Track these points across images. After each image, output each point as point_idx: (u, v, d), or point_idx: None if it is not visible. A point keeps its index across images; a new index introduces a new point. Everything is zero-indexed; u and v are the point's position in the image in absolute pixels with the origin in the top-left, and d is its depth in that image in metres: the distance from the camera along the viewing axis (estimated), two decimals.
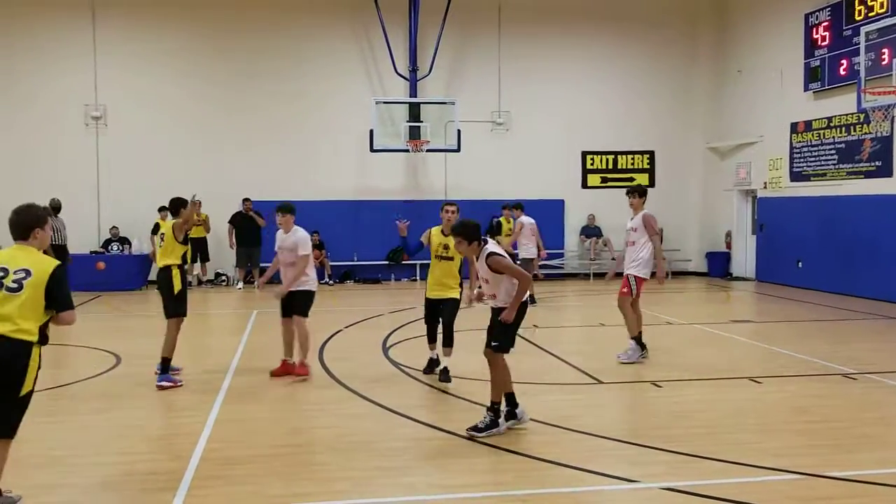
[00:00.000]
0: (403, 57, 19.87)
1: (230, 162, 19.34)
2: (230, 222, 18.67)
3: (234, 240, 18.63)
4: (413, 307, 14.72)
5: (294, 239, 8.90)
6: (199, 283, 18.78)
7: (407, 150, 18.88)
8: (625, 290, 9.48)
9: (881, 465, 5.63)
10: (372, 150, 18.72)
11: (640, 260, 9.55)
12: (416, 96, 19.60)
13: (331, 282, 19.40)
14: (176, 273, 8.44)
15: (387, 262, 20.05)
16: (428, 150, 18.90)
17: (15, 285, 4.64)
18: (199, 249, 18.43)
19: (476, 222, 6.55)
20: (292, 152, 19.67)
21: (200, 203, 17.51)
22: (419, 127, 18.76)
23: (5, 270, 4.66)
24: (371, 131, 18.57)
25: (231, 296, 17.60)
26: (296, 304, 8.78)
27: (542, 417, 6.92)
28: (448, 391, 8.01)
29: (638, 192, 10.05)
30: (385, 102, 19.10)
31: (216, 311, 15.12)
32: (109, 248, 18.42)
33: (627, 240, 9.78)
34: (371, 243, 19.88)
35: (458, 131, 18.70)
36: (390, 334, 11.51)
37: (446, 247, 8.43)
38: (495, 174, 20.29)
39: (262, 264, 18.80)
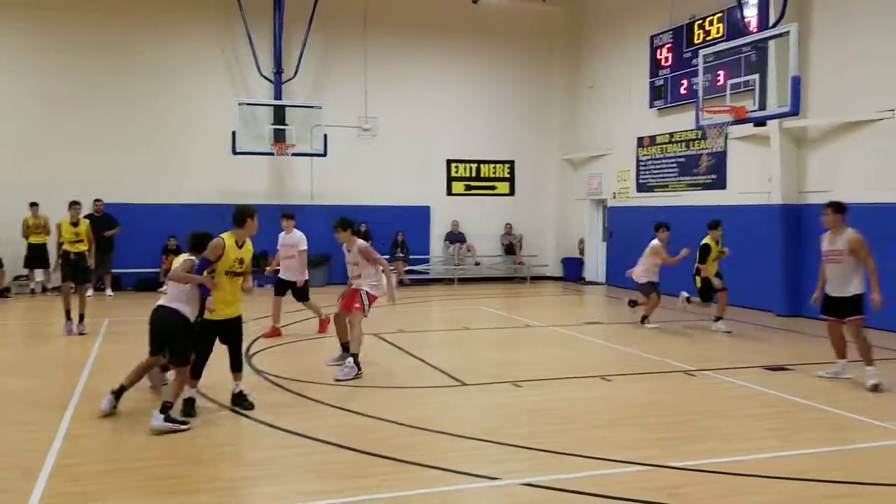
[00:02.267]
0: (268, 59, 19.56)
1: (82, 162, 18.33)
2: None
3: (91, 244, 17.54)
4: None
5: (295, 238, 11.90)
6: (44, 290, 17.64)
7: (271, 154, 18.58)
8: None
9: (720, 455, 6.15)
10: (234, 152, 18.29)
11: None
12: (280, 99, 19.33)
13: None
14: None
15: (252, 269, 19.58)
16: (293, 154, 18.68)
17: None
18: (39, 256, 17.03)
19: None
20: (152, 153, 18.91)
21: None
22: (284, 130, 18.51)
23: None
24: (234, 133, 18.14)
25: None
26: (300, 292, 11.85)
27: (406, 420, 7.07)
28: (310, 397, 7.99)
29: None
30: (248, 104, 18.71)
31: (63, 320, 14.24)
32: None
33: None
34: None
35: (325, 135, 18.61)
36: (253, 342, 11.31)
37: (241, 261, 7.47)
38: (362, 179, 20.36)
39: (113, 270, 17.94)
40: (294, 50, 19.58)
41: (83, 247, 12.53)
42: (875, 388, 8.30)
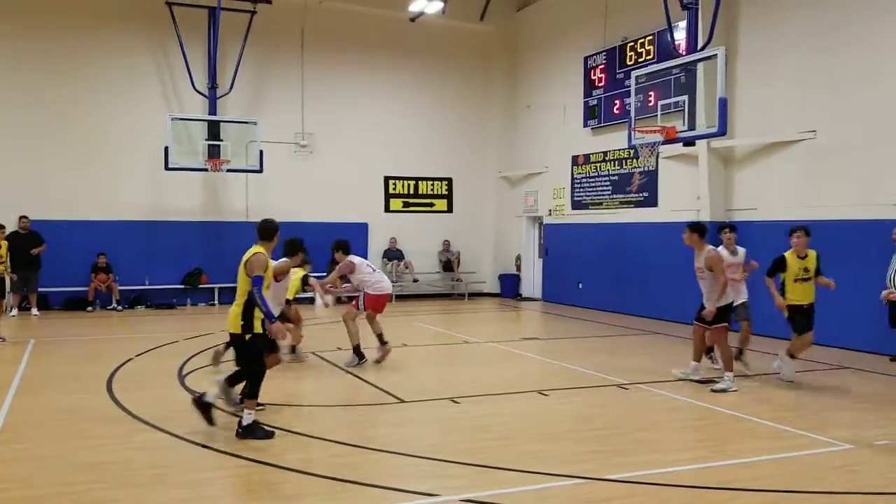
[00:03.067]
0: (202, 73, 19.26)
1: (6, 179, 17.68)
2: (5, 239, 16.94)
3: (8, 262, 16.91)
4: (211, 333, 14.25)
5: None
6: None
7: (205, 170, 18.26)
8: None
9: (654, 466, 6.28)
10: (167, 168, 17.92)
11: None
12: (215, 114, 19.04)
13: (119, 307, 18.24)
14: None
15: (182, 286, 19.21)
16: (228, 170, 18.40)
17: None
18: None
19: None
20: (81, 169, 18.36)
21: None
22: (219, 146, 18.23)
23: None
24: (166, 148, 17.78)
25: (4, 324, 15.99)
26: None
27: (345, 439, 7.02)
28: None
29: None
30: (182, 119, 18.37)
31: None
32: None
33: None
34: (165, 266, 18.99)
35: (261, 152, 18.40)
36: (186, 362, 11.07)
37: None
38: (299, 196, 20.18)
39: (40, 289, 17.32)
40: (229, 64, 19.34)
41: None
42: (721, 391, 9.14)
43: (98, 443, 7.01)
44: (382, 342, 10.91)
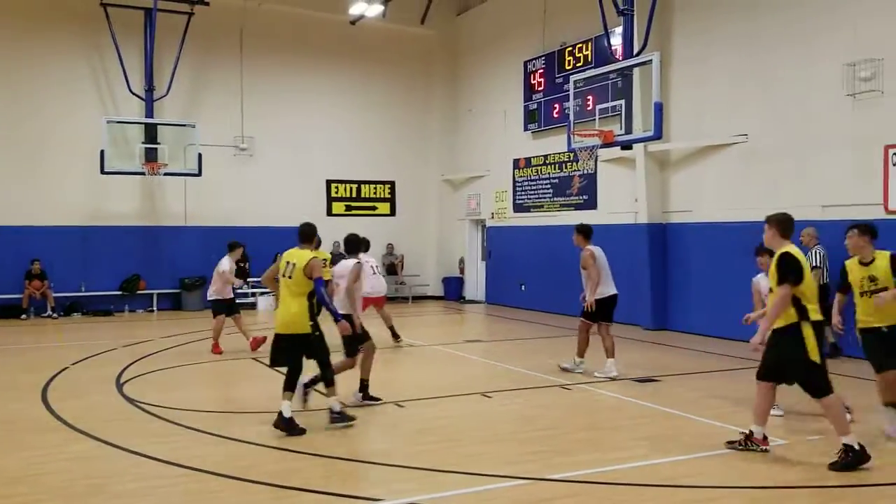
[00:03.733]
0: (139, 76, 18.87)
1: None
2: None
3: None
4: (150, 339, 13.99)
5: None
6: None
7: (142, 173, 17.90)
8: None
9: (595, 465, 6.41)
10: (103, 171, 17.49)
11: None
12: (152, 117, 18.67)
13: (54, 315, 17.73)
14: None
15: (120, 293, 18.77)
16: (166, 174, 18.07)
17: None
18: None
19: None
20: (12, 173, 17.84)
21: None
22: (156, 149, 17.89)
23: None
24: (102, 152, 17.35)
25: None
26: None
27: (286, 445, 6.99)
28: (185, 424, 7.75)
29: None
30: (118, 122, 17.97)
31: None
32: None
33: None
34: (102, 272, 18.53)
35: (199, 155, 18.11)
36: (125, 369, 10.84)
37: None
38: (239, 200, 19.93)
39: None
40: (167, 66, 18.99)
41: None
42: (611, 378, 10.11)
43: (34, 453, 6.83)
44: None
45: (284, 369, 7.75)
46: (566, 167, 18.14)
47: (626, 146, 14.33)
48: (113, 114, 18.50)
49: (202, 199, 19.48)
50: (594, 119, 13.88)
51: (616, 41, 15.32)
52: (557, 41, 18.36)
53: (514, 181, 20.04)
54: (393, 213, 22.32)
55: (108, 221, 18.74)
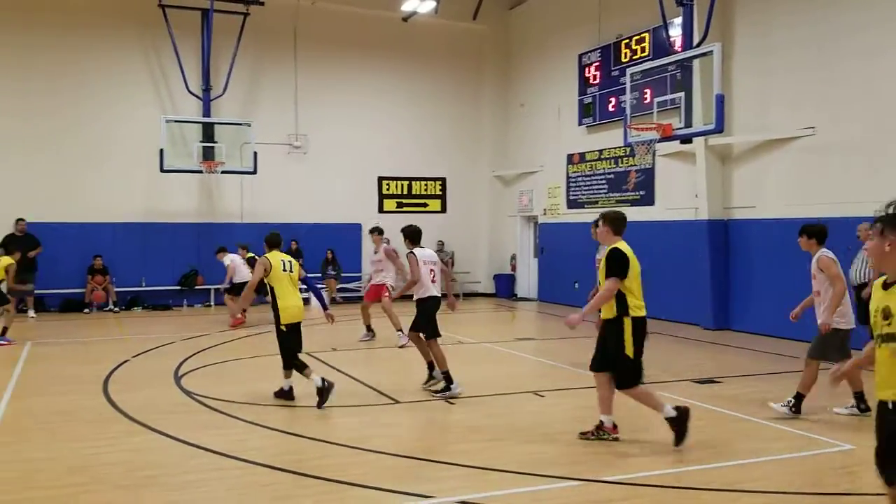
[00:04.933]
0: (196, 75, 19.21)
1: (2, 180, 17.62)
2: (1, 245, 16.86)
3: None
4: (207, 334, 14.23)
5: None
6: None
7: (200, 172, 18.22)
8: None
9: (651, 468, 6.25)
10: (162, 170, 17.86)
11: None
12: (209, 116, 19.00)
13: (116, 308, 18.19)
14: None
15: (178, 287, 19.16)
16: (223, 172, 18.36)
17: None
18: None
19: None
20: (76, 171, 18.30)
21: None
22: (213, 147, 18.19)
23: None
24: (161, 151, 17.72)
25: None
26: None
27: (340, 440, 6.99)
28: (241, 417, 7.82)
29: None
30: (176, 121, 18.33)
31: None
32: None
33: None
34: (161, 267, 18.94)
35: (255, 153, 18.35)
36: (183, 362, 11.03)
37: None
38: (293, 197, 20.14)
39: (36, 291, 17.23)
40: (223, 66, 19.29)
41: None
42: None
43: (93, 444, 6.99)
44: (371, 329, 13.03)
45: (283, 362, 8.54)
46: (622, 162, 17.83)
47: (686, 140, 14.03)
48: (171, 113, 18.87)
49: (257, 197, 19.74)
50: (652, 112, 13.61)
51: (675, 32, 14.97)
52: (613, 33, 18.06)
53: (568, 177, 19.80)
54: (444, 209, 22.27)
55: (167, 218, 19.14)
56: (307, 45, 20.48)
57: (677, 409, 6.69)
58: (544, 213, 20.80)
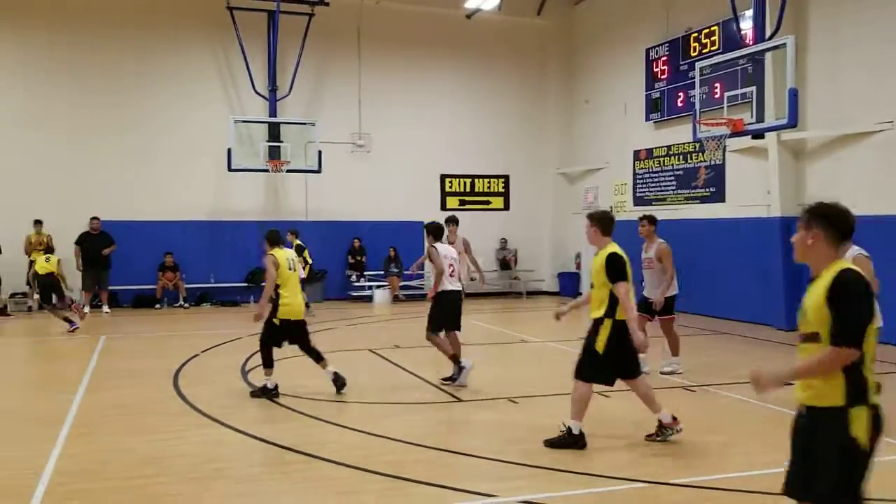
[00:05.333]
0: (262, 76, 19.56)
1: (78, 179, 18.26)
2: (77, 243, 17.53)
3: (80, 262, 17.50)
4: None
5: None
6: (41, 307, 17.52)
7: (266, 171, 18.55)
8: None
9: (720, 471, 6.07)
10: (230, 169, 18.25)
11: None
12: (275, 116, 19.32)
13: (186, 304, 18.67)
14: None
15: (245, 284, 19.54)
16: (288, 171, 18.65)
17: None
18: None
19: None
20: (146, 170, 18.83)
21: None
22: (279, 147, 18.50)
23: None
24: (229, 150, 18.10)
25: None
26: None
27: (403, 437, 6.98)
28: (306, 413, 7.90)
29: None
30: (244, 121, 18.70)
31: (61, 337, 14.17)
32: None
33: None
34: (229, 264, 19.35)
35: (319, 152, 18.58)
36: (249, 358, 11.21)
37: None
38: (356, 195, 20.32)
39: (110, 287, 17.83)
40: (289, 67, 19.58)
41: None
42: (668, 373, 9.83)
43: (163, 436, 7.16)
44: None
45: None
46: (691, 158, 17.42)
47: (758, 135, 13.60)
48: (239, 113, 19.25)
49: (321, 195, 19.97)
50: (722, 107, 13.26)
51: (746, 25, 14.54)
52: (682, 27, 17.65)
53: (635, 173, 19.44)
54: (507, 207, 22.15)
55: (235, 216, 19.54)
56: (371, 44, 20.62)
57: (581, 433, 6.66)
58: (610, 211, 20.45)
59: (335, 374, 8.73)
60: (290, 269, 8.78)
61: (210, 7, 19.15)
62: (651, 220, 10.38)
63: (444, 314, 9.36)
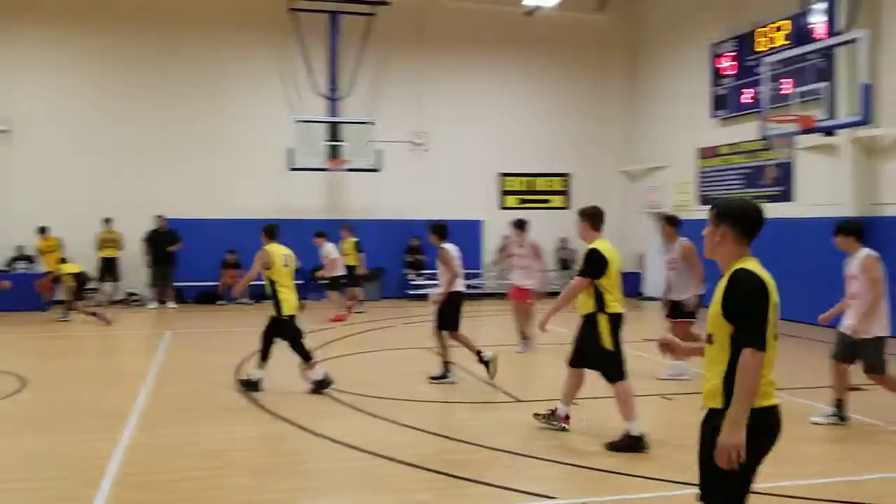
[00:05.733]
0: (323, 76, 19.79)
1: (144, 179, 18.77)
2: (145, 240, 18.05)
3: (148, 258, 18.01)
4: (332, 327, 14.59)
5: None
6: (111, 302, 18.09)
7: (326, 169, 18.76)
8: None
9: (784, 478, 5.86)
10: (291, 168, 18.51)
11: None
12: (335, 115, 19.52)
13: (248, 301, 18.99)
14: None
15: (304, 282, 19.76)
16: (348, 170, 18.83)
17: None
18: (109, 268, 17.87)
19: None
20: (209, 170, 19.25)
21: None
22: (339, 146, 18.69)
23: None
24: (290, 150, 18.36)
25: (144, 316, 17.02)
26: None
27: (460, 436, 6.95)
28: (364, 410, 7.93)
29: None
30: (305, 121, 18.94)
31: (128, 332, 14.60)
32: (14, 266, 17.64)
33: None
34: None
35: (378, 151, 18.70)
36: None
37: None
38: (415, 194, 20.36)
39: (175, 283, 18.27)
40: (349, 66, 19.77)
41: None
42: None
43: (226, 430, 7.28)
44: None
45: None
46: (758, 156, 16.95)
47: (829, 132, 13.15)
48: (299, 112, 19.49)
49: (380, 194, 20.08)
50: (791, 104, 12.87)
51: (816, 19, 14.08)
52: (748, 21, 17.18)
53: (699, 171, 19.02)
54: (567, 206, 21.92)
55: (295, 215, 19.75)
56: (430, 43, 20.66)
57: (642, 435, 6.57)
58: (674, 210, 20.08)
59: (325, 374, 8.81)
60: (284, 265, 8.90)
61: (273, 9, 19.45)
62: (671, 220, 10.22)
63: (458, 314, 9.51)
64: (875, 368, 7.33)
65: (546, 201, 21.78)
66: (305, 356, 8.88)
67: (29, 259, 17.80)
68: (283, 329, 8.91)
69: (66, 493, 5.54)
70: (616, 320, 6.72)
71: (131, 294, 18.67)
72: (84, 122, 18.61)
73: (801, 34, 14.98)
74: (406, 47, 20.54)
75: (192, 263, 18.57)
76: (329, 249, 15.94)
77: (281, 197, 19.68)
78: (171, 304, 18.00)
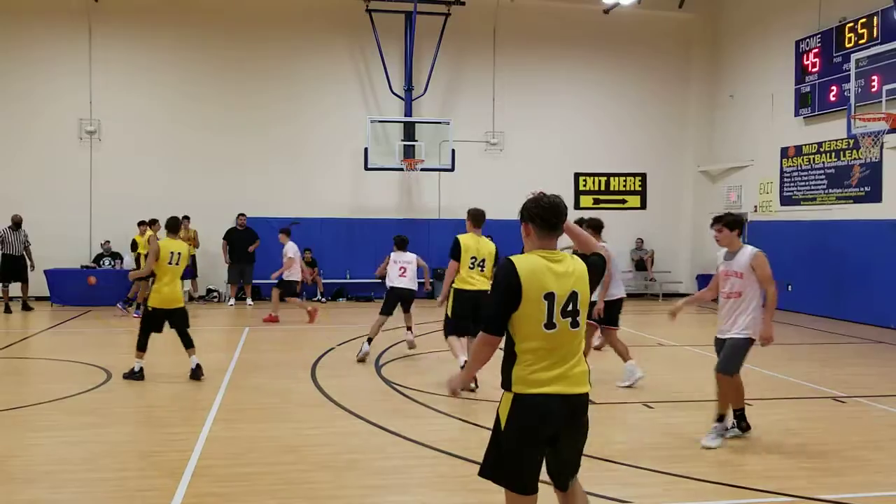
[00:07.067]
0: (399, 76, 20.00)
1: (224, 178, 19.37)
2: (224, 238, 18.63)
3: (227, 256, 18.57)
4: (404, 326, 14.71)
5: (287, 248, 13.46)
6: (191, 299, 18.70)
7: (401, 169, 18.96)
8: None
9: (869, 489, 5.66)
10: (366, 168, 18.79)
11: None
12: (410, 115, 19.72)
13: (323, 299, 19.38)
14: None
15: (379, 281, 20.01)
16: (422, 170, 18.99)
17: None
18: (189, 266, 18.43)
19: None
20: (287, 169, 19.72)
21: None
22: (413, 146, 18.87)
23: None
24: (366, 149, 18.64)
25: (222, 312, 17.55)
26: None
27: None
28: (440, 409, 8.00)
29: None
30: (380, 121, 19.21)
31: (207, 328, 15.06)
32: (101, 262, 18.39)
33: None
34: (364, 261, 19.84)
35: (453, 151, 18.79)
36: (383, 352, 11.50)
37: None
38: (489, 194, 20.28)
39: (254, 281, 18.77)
40: (424, 67, 19.92)
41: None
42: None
43: (302, 426, 7.45)
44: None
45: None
46: (844, 155, 16.32)
47: None
48: (375, 113, 19.77)
49: (454, 193, 20.17)
50: (880, 101, 12.40)
51: None
52: (835, 17, 16.57)
53: (782, 171, 18.44)
54: (643, 206, 21.55)
55: (370, 214, 20.08)
56: (506, 41, 20.64)
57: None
58: (755, 211, 19.52)
59: (198, 364, 9.37)
60: (170, 262, 9.22)
61: (350, 10, 19.77)
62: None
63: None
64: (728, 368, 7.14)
65: (622, 201, 21.47)
66: (140, 344, 9.31)
67: (114, 256, 18.52)
68: (143, 317, 9.40)
69: (148, 484, 5.77)
70: (458, 294, 8.93)
71: (210, 291, 19.28)
72: (166, 123, 19.29)
73: (890, 29, 14.36)
74: (481, 46, 20.57)
75: (270, 261, 19.00)
76: (289, 248, 15.40)
77: (357, 196, 20.01)
78: (249, 302, 18.49)
